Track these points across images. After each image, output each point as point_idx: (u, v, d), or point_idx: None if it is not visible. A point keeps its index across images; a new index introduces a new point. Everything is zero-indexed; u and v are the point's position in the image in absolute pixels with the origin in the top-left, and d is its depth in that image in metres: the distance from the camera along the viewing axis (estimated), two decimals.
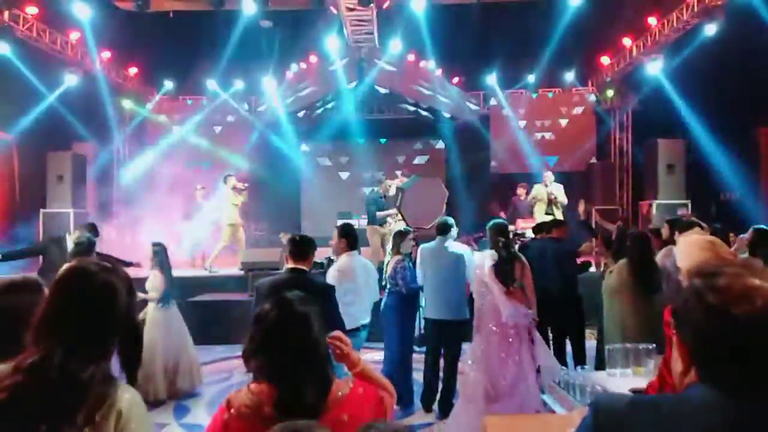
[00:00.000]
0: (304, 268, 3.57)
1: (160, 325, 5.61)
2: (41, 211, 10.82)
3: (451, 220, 5.44)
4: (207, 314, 7.94)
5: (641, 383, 2.78)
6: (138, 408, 1.41)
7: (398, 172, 8.63)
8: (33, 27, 9.53)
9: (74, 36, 10.71)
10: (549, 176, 10.14)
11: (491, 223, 4.87)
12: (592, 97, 13.29)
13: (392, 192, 9.43)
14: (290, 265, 3.58)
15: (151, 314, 5.55)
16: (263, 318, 1.68)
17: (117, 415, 1.35)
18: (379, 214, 8.25)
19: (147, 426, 1.45)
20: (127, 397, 1.39)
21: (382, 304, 5.46)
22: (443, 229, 5.22)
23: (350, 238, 4.72)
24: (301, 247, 3.60)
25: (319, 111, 13.40)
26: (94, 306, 1.40)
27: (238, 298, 7.92)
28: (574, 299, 5.85)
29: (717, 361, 1.00)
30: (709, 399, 0.99)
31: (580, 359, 5.69)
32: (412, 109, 13.53)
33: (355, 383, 1.75)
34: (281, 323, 1.66)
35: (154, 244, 5.71)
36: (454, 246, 5.23)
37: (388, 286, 5.46)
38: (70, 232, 6.79)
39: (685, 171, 11.09)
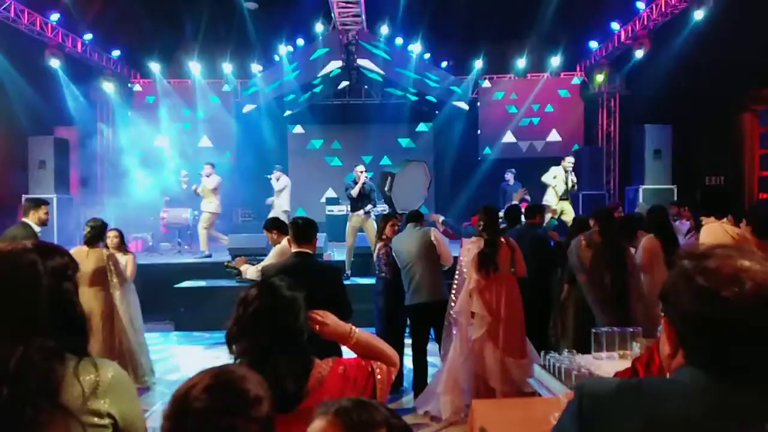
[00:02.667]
0: (309, 251, 3.53)
1: (138, 309, 5.58)
2: (23, 197, 10.63)
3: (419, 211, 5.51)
4: (193, 300, 7.92)
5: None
6: (122, 379, 1.39)
7: (361, 167, 8.41)
8: (11, 7, 9.28)
9: (55, 17, 10.47)
10: (570, 160, 9.61)
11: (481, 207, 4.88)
12: (580, 82, 13.27)
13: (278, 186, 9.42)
14: (294, 249, 3.53)
15: (126, 297, 5.46)
16: (249, 301, 1.64)
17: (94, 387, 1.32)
18: (353, 191, 8.18)
19: (132, 398, 1.42)
20: (108, 372, 1.36)
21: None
22: (414, 218, 5.24)
23: (280, 229, 4.80)
24: (305, 230, 3.55)
25: (305, 95, 13.25)
26: (8, 285, 1.33)
27: (225, 284, 7.86)
28: (547, 287, 5.83)
29: (705, 344, 0.98)
30: (697, 382, 0.98)
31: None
32: (400, 93, 13.44)
33: (335, 362, 1.71)
34: (267, 307, 1.63)
35: (116, 229, 5.60)
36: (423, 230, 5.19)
37: (376, 271, 5.47)
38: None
39: (672, 156, 11.14)
